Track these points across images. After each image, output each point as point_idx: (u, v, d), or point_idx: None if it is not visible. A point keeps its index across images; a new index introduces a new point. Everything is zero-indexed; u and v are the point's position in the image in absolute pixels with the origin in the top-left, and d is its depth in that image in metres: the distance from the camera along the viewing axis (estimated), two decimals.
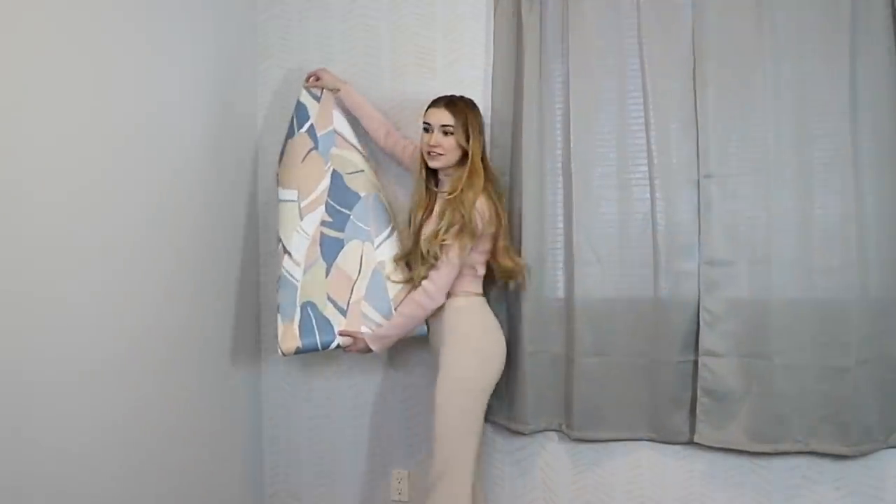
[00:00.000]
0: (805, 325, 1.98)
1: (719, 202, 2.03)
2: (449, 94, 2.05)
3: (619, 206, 2.13)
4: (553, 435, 2.23)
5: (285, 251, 2.04)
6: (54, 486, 1.56)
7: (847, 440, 1.95)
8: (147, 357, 1.88)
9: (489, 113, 2.22)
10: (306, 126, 2.12)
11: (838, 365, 1.94)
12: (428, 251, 1.98)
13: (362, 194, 2.10)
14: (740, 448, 2.03)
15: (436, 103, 2.03)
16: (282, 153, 2.17)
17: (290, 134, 2.15)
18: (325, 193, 2.09)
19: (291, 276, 2.03)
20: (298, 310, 2.01)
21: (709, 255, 2.03)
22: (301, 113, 2.14)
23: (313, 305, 2.02)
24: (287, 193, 2.08)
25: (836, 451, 1.97)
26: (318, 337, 1.99)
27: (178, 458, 2.02)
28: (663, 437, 2.13)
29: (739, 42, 2.03)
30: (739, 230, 2.03)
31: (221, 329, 2.25)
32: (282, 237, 2.05)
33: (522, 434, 2.20)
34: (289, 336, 1.99)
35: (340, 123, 2.16)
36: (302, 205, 2.07)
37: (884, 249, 1.95)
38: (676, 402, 2.09)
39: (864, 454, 1.97)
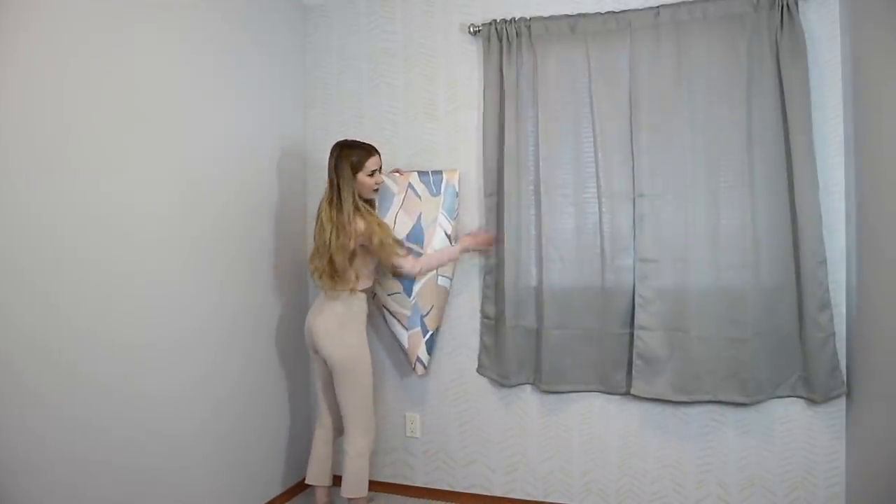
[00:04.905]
0: (714, 307, 2.32)
1: (649, 215, 2.40)
2: (352, 139, 2.38)
3: (575, 219, 2.50)
4: (528, 387, 2.66)
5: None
6: (158, 425, 2.10)
7: (745, 392, 2.31)
8: (223, 327, 2.42)
9: (482, 147, 2.64)
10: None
11: (738, 336, 2.29)
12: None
13: None
14: (665, 398, 2.39)
15: (375, 152, 2.35)
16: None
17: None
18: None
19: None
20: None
21: (641, 255, 2.40)
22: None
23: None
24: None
25: (737, 401, 2.32)
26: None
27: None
28: (608, 390, 2.51)
29: (664, 95, 2.37)
30: (664, 236, 2.38)
31: (276, 307, 2.75)
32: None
33: (506, 386, 2.63)
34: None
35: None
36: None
37: (771, 251, 2.29)
38: (618, 364, 2.46)
39: (757, 402, 2.33)
